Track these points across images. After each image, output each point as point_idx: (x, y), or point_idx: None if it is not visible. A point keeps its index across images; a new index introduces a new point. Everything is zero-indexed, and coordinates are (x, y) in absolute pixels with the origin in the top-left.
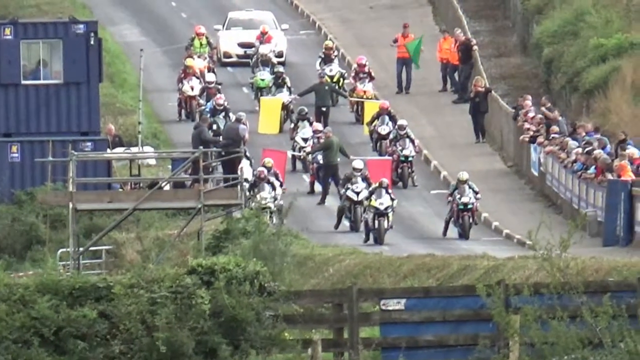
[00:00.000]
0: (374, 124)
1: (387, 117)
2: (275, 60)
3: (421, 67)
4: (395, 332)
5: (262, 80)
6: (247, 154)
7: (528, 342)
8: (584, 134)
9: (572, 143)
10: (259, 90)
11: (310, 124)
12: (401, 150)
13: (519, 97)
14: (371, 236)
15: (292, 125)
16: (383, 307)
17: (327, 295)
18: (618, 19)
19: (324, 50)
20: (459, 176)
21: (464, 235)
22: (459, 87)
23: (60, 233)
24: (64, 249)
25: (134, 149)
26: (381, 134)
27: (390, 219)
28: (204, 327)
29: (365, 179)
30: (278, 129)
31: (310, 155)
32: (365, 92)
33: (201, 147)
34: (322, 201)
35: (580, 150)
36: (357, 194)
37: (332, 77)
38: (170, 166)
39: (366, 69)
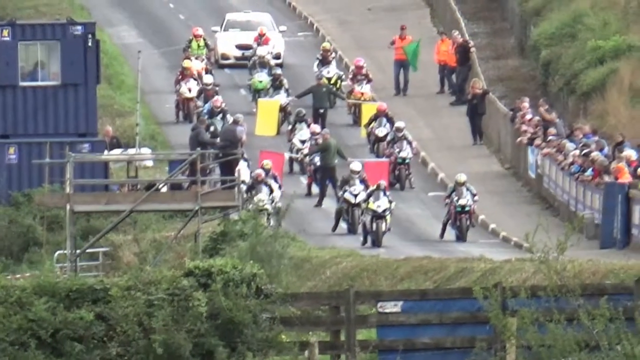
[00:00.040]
0: (371, 126)
1: (384, 119)
2: (272, 62)
3: (419, 69)
4: (392, 334)
5: (260, 82)
6: (245, 155)
7: (525, 345)
8: (581, 136)
9: (569, 145)
10: (256, 92)
11: (308, 125)
12: (398, 152)
13: (516, 99)
14: (369, 239)
15: (290, 127)
16: (380, 310)
17: (324, 297)
18: (616, 21)
19: (321, 52)
20: (457, 178)
21: (461, 237)
22: (457, 89)
23: (58, 235)
24: (61, 251)
25: (132, 151)
26: (379, 136)
27: (388, 221)
28: (201, 330)
29: (363, 181)
30: (275, 130)
31: (307, 157)
32: (362, 94)
33: (198, 149)
34: (320, 203)
35: (577, 152)
36: (355, 196)
37: (329, 79)
38: (167, 168)
39: (364, 71)
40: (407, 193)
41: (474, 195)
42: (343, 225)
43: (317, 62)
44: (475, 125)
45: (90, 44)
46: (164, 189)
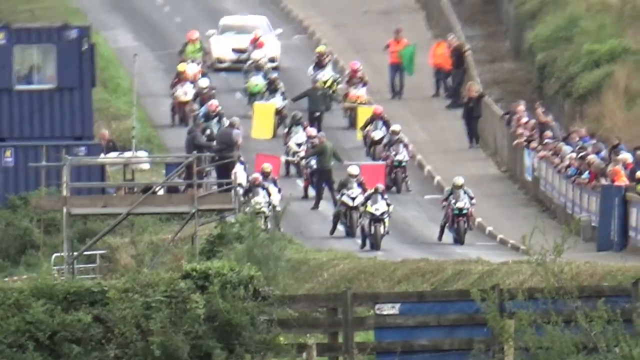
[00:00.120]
0: (367, 128)
1: (380, 122)
2: (268, 65)
3: (414, 73)
4: (389, 336)
5: (256, 85)
6: (241, 158)
7: (522, 347)
8: (577, 139)
9: (565, 148)
10: (252, 95)
11: (304, 129)
12: (395, 155)
13: (512, 102)
14: (367, 242)
15: (286, 130)
16: (377, 312)
17: (322, 299)
18: (611, 24)
19: (317, 55)
20: (455, 181)
21: (459, 240)
22: (452, 92)
23: (55, 237)
24: (58, 254)
25: (128, 154)
26: (374, 138)
27: (387, 224)
28: (199, 332)
29: (360, 184)
30: (271, 134)
31: (304, 160)
32: (358, 97)
33: (195, 152)
34: (316, 206)
35: (574, 155)
36: (353, 199)
37: (325, 82)
38: (164, 171)
39: (359, 74)
40: (404, 196)
41: (471, 198)
42: (341, 229)
43: (312, 65)
44: (471, 128)
45: (85, 47)
46: (161, 192)
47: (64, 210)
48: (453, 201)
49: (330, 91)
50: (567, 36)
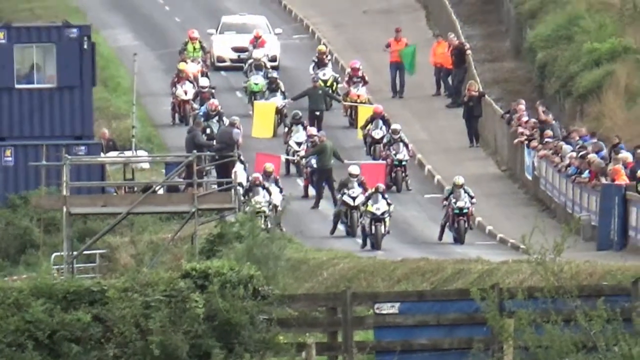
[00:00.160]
0: (367, 128)
1: (380, 121)
2: (268, 64)
3: (415, 72)
4: (389, 335)
5: (256, 84)
6: (241, 158)
7: (522, 346)
8: (577, 138)
9: (566, 147)
10: (252, 95)
11: (304, 128)
12: (395, 155)
13: (512, 101)
14: (368, 241)
15: (286, 129)
16: (377, 311)
17: (321, 299)
18: (612, 23)
19: (317, 54)
20: (455, 180)
21: (459, 239)
22: (453, 91)
23: (54, 237)
24: (58, 253)
25: (128, 153)
26: (375, 138)
27: (387, 224)
28: (198, 331)
29: (361, 184)
30: (272, 133)
31: (304, 160)
32: (358, 96)
33: (195, 151)
34: (316, 205)
35: (574, 154)
36: (354, 199)
37: (325, 82)
38: (164, 170)
39: (360, 73)
40: (404, 195)
41: (471, 197)
42: (341, 228)
43: (312, 64)
44: (472, 128)
45: (86, 46)
46: (161, 191)
47: (64, 209)
48: (453, 200)
49: (330, 90)
50: (567, 35)
